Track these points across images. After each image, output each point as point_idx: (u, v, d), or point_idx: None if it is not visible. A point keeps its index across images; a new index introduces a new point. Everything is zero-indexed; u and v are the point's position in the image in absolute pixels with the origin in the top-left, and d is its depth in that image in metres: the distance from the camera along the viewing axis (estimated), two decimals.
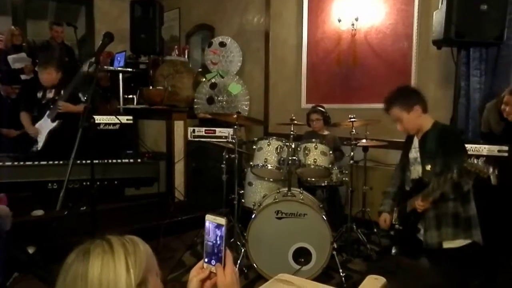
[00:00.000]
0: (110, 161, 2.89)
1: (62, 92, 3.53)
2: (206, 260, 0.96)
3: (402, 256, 2.31)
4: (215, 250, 0.94)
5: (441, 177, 1.98)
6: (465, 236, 2.10)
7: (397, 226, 2.33)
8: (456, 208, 2.10)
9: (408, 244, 2.28)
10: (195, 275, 0.96)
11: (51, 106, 3.49)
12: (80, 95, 3.58)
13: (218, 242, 0.93)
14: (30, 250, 2.82)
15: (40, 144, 3.46)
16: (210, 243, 0.95)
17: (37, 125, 3.50)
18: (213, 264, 0.94)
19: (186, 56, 5.51)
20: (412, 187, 2.31)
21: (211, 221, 0.94)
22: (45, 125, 3.48)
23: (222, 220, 0.93)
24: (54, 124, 3.46)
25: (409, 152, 2.38)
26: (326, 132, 3.76)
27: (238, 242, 3.18)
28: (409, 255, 2.31)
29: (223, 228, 0.92)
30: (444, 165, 2.09)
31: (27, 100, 3.61)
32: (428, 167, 2.16)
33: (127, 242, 0.84)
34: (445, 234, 2.10)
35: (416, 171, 2.31)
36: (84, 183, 2.68)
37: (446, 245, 2.10)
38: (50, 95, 3.54)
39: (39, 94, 3.55)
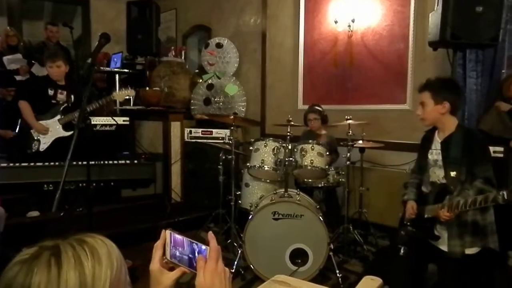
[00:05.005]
0: (106, 162, 2.88)
1: (72, 97, 3.53)
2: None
3: (410, 258, 2.27)
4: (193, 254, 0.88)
5: (480, 193, 1.90)
6: (481, 244, 2.06)
7: (410, 228, 2.28)
8: (474, 215, 2.05)
9: (419, 248, 2.23)
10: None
11: (63, 111, 3.46)
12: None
13: (192, 248, 0.88)
14: None
15: (43, 146, 3.43)
16: (182, 253, 0.90)
17: (43, 123, 3.44)
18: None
19: (182, 57, 5.49)
20: (432, 191, 2.22)
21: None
22: (54, 130, 3.45)
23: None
24: (66, 134, 3.46)
25: (428, 152, 2.29)
26: (323, 132, 3.76)
27: (235, 243, 3.19)
28: (417, 258, 2.28)
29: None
30: (469, 173, 2.05)
31: (29, 92, 3.49)
32: (453, 174, 2.08)
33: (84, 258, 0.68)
34: (465, 242, 2.06)
35: (436, 174, 2.23)
36: (80, 185, 2.68)
37: (466, 252, 2.07)
38: (61, 96, 3.51)
39: (51, 92, 3.48)
